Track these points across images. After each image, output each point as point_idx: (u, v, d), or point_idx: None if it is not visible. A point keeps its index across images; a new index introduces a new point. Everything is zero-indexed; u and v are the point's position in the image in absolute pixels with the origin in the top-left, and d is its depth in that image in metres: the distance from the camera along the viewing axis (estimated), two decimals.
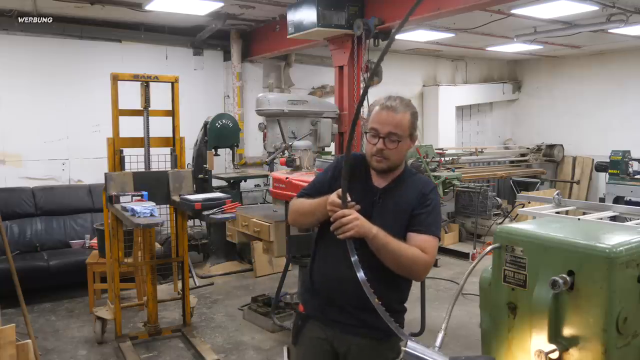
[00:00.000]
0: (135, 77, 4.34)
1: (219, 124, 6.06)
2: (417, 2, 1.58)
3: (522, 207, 5.71)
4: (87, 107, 6.73)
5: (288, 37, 6.09)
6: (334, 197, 1.97)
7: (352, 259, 1.86)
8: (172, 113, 4.54)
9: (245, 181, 7.33)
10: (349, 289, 2.01)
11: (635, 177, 7.80)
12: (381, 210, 2.06)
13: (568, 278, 1.63)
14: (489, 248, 1.91)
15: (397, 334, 1.74)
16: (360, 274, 1.83)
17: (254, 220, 4.70)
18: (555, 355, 1.65)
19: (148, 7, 5.96)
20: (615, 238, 1.68)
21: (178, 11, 6.12)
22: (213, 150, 6.10)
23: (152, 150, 4.53)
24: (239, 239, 5.28)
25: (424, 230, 2.04)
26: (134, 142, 4.48)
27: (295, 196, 2.25)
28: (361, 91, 5.67)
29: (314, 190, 2.19)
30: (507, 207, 8.40)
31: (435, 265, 6.69)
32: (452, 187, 7.21)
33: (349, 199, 1.96)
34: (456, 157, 8.72)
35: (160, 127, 4.58)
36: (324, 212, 2.01)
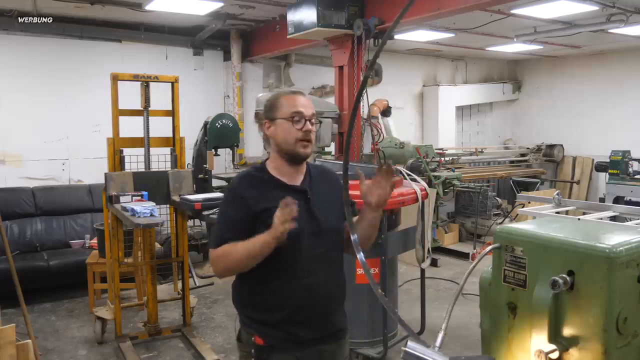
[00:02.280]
0: (135, 77, 4.35)
1: (219, 124, 6.05)
2: (408, 4, 1.57)
3: (522, 207, 5.71)
4: (87, 107, 6.72)
5: (288, 37, 6.09)
6: (279, 211, 1.79)
7: (358, 256, 1.89)
8: (172, 113, 4.54)
9: None
10: (318, 298, 2.00)
11: (635, 177, 7.80)
12: (319, 205, 2.02)
13: (568, 278, 1.63)
14: (489, 248, 1.92)
15: (405, 328, 1.76)
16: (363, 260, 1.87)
17: None
18: (555, 355, 1.65)
19: (148, 7, 5.96)
20: (615, 238, 1.68)
21: (178, 11, 6.12)
22: (213, 150, 6.10)
23: (152, 150, 4.53)
24: None
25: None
26: (134, 142, 4.48)
27: (214, 246, 1.97)
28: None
29: (236, 230, 1.94)
30: (507, 207, 8.40)
31: (435, 265, 6.69)
32: (452, 187, 7.22)
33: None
34: (456, 157, 8.71)
35: (160, 127, 4.57)
36: (270, 247, 1.84)
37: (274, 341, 1.97)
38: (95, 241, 5.54)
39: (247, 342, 2.02)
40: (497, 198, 8.11)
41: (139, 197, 3.99)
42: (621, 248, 1.61)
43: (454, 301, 1.82)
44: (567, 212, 3.85)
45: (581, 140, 9.85)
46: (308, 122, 1.97)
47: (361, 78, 5.78)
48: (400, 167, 4.62)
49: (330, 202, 2.04)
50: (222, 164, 7.63)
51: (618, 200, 7.55)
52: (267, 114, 2.03)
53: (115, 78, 4.28)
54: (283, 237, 1.81)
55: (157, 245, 5.15)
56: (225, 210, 2.07)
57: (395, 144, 7.41)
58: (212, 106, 7.54)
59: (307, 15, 5.65)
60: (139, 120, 4.45)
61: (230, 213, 2.01)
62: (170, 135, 4.55)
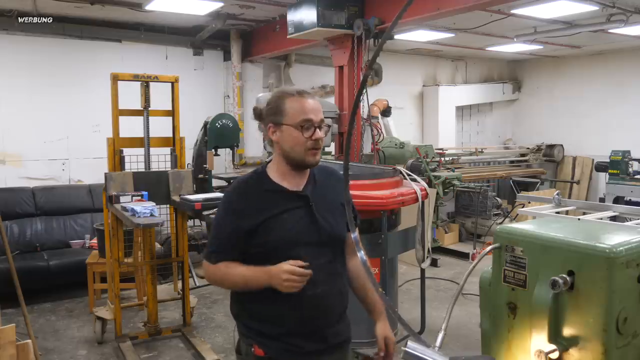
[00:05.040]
0: (135, 77, 4.35)
1: (219, 124, 6.06)
2: (407, 4, 1.57)
3: (522, 207, 5.71)
4: (87, 107, 6.73)
5: (288, 37, 6.09)
6: (291, 268, 1.77)
7: (359, 254, 1.80)
8: (172, 113, 4.54)
9: None
10: (321, 310, 1.93)
11: (635, 177, 7.80)
12: (322, 212, 1.93)
13: (568, 278, 1.63)
14: (489, 248, 1.92)
15: (405, 328, 1.75)
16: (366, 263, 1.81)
17: None
18: (555, 355, 1.65)
19: (148, 7, 5.96)
20: (615, 238, 1.68)
21: (178, 11, 6.12)
22: (213, 150, 6.10)
23: (152, 150, 4.53)
24: None
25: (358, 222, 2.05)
26: (134, 142, 4.48)
27: (205, 258, 1.94)
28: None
29: (228, 244, 1.90)
30: (507, 207, 8.40)
31: (435, 265, 6.69)
32: (452, 187, 7.22)
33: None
34: (456, 157, 8.72)
35: (160, 127, 4.58)
36: (264, 284, 1.81)
37: (274, 353, 1.89)
38: (95, 241, 5.54)
39: (245, 353, 1.94)
40: (497, 198, 8.10)
41: (139, 197, 3.99)
42: (621, 248, 1.61)
43: (454, 301, 1.82)
44: (567, 212, 3.84)
45: (581, 140, 9.84)
46: (317, 129, 1.85)
47: (361, 78, 5.78)
48: (400, 167, 4.62)
49: (336, 209, 1.94)
50: (222, 164, 7.63)
51: (618, 200, 7.55)
52: (271, 118, 1.89)
53: (115, 78, 4.28)
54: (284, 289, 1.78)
55: (157, 245, 5.15)
56: (219, 222, 1.97)
57: (395, 144, 7.40)
58: (212, 106, 7.54)
59: (307, 15, 5.65)
60: (139, 120, 4.45)
61: (222, 227, 1.94)
62: (170, 135, 4.55)
